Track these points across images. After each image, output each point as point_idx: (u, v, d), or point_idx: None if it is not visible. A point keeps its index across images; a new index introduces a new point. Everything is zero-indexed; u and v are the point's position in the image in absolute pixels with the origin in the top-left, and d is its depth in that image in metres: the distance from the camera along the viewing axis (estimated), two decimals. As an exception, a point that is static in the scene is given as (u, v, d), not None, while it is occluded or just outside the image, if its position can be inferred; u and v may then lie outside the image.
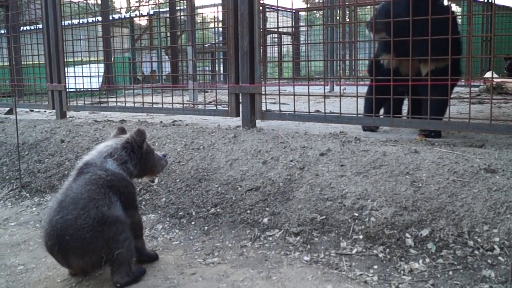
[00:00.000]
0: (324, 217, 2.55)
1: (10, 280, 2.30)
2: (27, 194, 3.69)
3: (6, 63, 8.72)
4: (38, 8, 6.44)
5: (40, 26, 6.27)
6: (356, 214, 2.49)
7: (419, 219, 2.34)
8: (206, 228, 2.77)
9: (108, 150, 2.33)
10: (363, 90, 4.87)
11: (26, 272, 2.39)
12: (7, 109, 7.38)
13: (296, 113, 3.98)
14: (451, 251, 2.16)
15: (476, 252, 2.12)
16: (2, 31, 10.82)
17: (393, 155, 2.84)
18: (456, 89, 9.44)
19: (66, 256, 2.06)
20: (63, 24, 5.57)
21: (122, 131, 2.51)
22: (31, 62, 7.19)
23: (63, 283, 2.23)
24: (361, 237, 2.38)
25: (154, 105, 4.95)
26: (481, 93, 8.22)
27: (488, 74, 9.07)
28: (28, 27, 10.78)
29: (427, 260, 2.16)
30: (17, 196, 3.70)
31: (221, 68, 15.43)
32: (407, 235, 2.30)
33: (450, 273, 2.06)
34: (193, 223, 2.85)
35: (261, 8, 4.06)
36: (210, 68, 15.05)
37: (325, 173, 2.84)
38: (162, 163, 2.58)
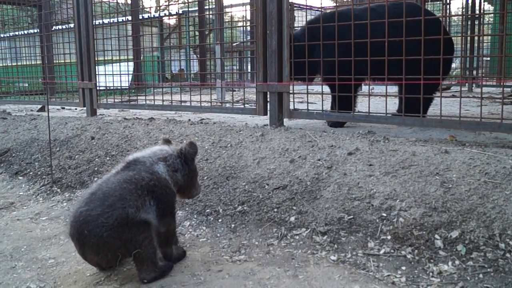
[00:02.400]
0: (351, 216, 2.53)
1: (41, 273, 2.35)
2: (58, 190, 3.77)
3: (38, 62, 8.92)
4: (70, 8, 6.57)
5: (72, 25, 6.39)
6: (384, 214, 2.46)
7: (449, 221, 2.30)
8: (233, 225, 2.78)
9: (164, 154, 2.33)
10: (392, 89, 4.83)
11: (56, 265, 2.44)
12: (39, 106, 7.57)
13: (324, 112, 3.96)
14: (481, 254, 2.12)
15: (508, 255, 2.07)
16: (35, 30, 11.07)
17: (423, 155, 2.80)
18: (487, 89, 9.28)
19: (83, 248, 2.09)
20: (94, 23, 5.67)
21: (167, 142, 2.51)
22: (62, 61, 7.33)
23: (92, 277, 2.27)
24: (389, 237, 2.36)
25: (182, 103, 4.99)
26: (514, 93, 8.02)
27: (521, 74, 8.85)
28: (60, 26, 11.01)
29: (457, 262, 2.12)
30: (48, 191, 3.77)
31: (249, 67, 15.47)
32: (436, 236, 2.26)
33: (480, 276, 2.02)
34: (220, 220, 2.86)
35: (289, 7, 4.05)
36: (237, 67, 15.10)
37: (353, 173, 2.82)
38: (199, 188, 2.58)
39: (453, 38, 4.64)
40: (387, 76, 3.52)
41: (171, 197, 2.29)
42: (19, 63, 9.12)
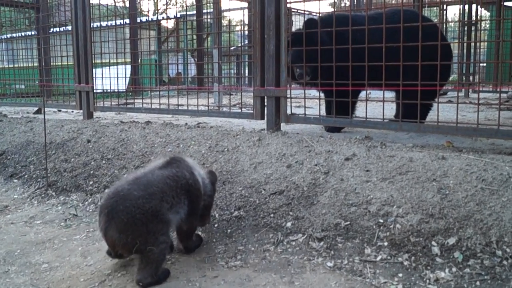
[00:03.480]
0: (348, 222, 2.52)
1: (34, 278, 2.33)
2: (53, 193, 3.75)
3: (36, 64, 8.89)
4: (68, 10, 6.55)
5: (69, 28, 6.38)
6: (381, 221, 2.45)
7: (446, 227, 2.29)
8: (229, 231, 2.77)
9: (197, 167, 2.60)
10: (389, 94, 4.83)
11: (50, 270, 2.42)
12: (36, 108, 7.53)
13: (321, 117, 3.96)
14: (478, 261, 2.11)
15: (505, 262, 2.07)
16: (33, 32, 11.05)
17: (420, 161, 2.80)
18: (484, 95, 9.30)
19: (108, 223, 2.13)
20: (92, 26, 5.65)
21: None
22: (60, 63, 7.31)
23: (86, 282, 2.25)
24: (386, 244, 2.35)
25: (180, 107, 4.98)
26: (510, 99, 8.04)
27: (518, 80, 8.88)
28: (57, 29, 10.99)
29: (454, 269, 2.11)
30: (43, 195, 3.75)
31: (246, 71, 15.49)
32: (433, 243, 2.26)
33: (477, 283, 2.02)
34: (216, 225, 2.85)
35: (287, 11, 4.05)
36: (235, 71, 15.11)
37: (350, 178, 2.81)
38: (210, 218, 2.74)
39: (450, 44, 4.65)
40: (385, 82, 3.53)
41: (200, 200, 2.48)
42: (16, 65, 9.09)
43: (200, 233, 2.78)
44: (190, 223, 2.43)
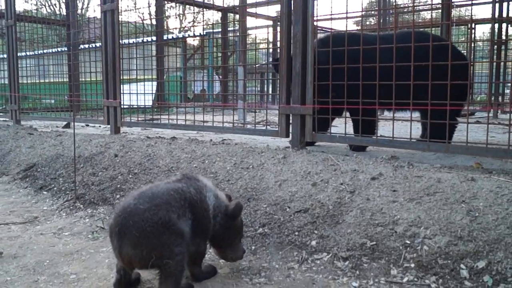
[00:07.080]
0: (374, 243, 2.49)
1: (62, 288, 2.36)
2: (81, 206, 3.80)
3: (65, 79, 9.09)
4: (97, 28, 6.70)
5: (98, 44, 6.52)
6: (408, 242, 2.41)
7: (475, 250, 2.24)
8: (253, 247, 2.75)
9: (219, 194, 2.47)
10: (416, 114, 4.79)
11: (77, 281, 2.44)
12: (65, 123, 7.69)
13: (346, 135, 3.94)
14: (509, 286, 2.05)
15: (537, 288, 2.01)
16: (63, 49, 11.32)
17: (448, 182, 2.75)
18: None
19: (121, 241, 2.09)
20: (120, 42, 5.76)
21: None
22: (88, 79, 7.47)
23: (112, 295, 2.26)
24: (412, 265, 2.31)
25: (205, 123, 5.02)
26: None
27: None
28: (87, 45, 11.24)
29: (484, 293, 2.06)
30: (71, 207, 3.80)
31: (270, 89, 15.56)
32: (462, 266, 2.20)
33: (508, 308, 1.96)
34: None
35: (314, 29, 4.06)
36: (259, 88, 15.19)
37: (376, 198, 2.78)
38: (239, 254, 2.52)
39: (479, 63, 4.58)
40: (394, 101, 3.52)
41: (207, 221, 2.34)
42: (46, 80, 9.31)
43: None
44: (196, 245, 2.30)
